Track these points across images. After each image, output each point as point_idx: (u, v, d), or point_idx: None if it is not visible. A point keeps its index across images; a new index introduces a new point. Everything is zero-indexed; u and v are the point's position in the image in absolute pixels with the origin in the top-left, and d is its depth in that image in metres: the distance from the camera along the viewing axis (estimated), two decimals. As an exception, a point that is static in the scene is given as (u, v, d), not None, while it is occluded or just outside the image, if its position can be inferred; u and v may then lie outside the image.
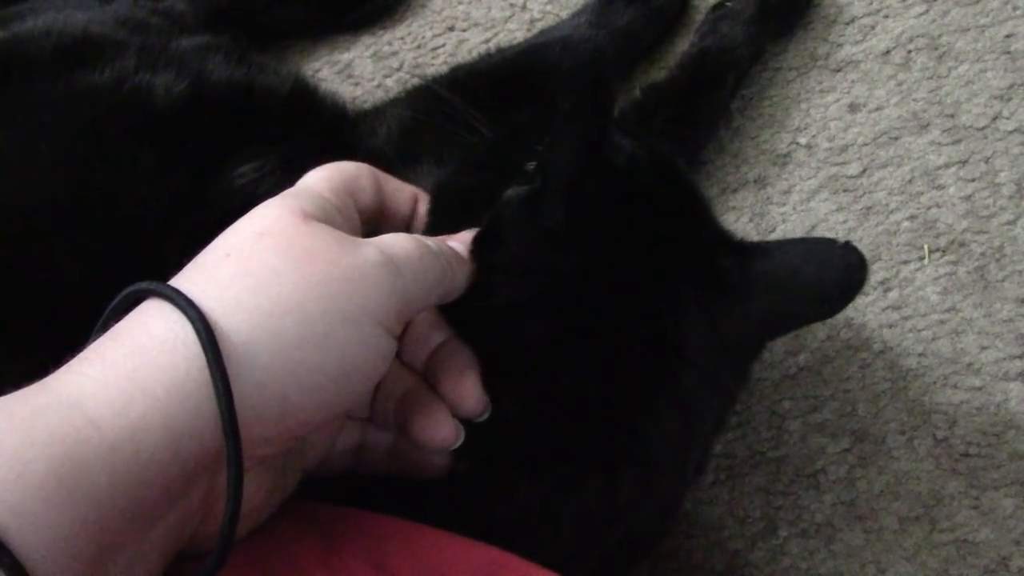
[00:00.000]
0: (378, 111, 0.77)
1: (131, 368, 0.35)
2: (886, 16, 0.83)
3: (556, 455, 0.48)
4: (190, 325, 0.36)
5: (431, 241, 0.44)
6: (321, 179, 0.46)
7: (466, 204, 0.51)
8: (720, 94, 0.79)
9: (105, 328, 0.39)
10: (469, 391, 0.46)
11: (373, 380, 0.41)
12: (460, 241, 0.48)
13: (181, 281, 0.39)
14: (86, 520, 0.32)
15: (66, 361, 0.37)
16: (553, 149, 0.49)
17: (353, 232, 0.43)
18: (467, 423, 0.46)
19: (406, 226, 0.52)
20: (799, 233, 0.76)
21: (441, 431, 0.45)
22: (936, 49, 0.80)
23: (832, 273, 0.54)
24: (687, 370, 0.50)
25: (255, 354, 0.37)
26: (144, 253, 0.55)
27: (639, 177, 0.52)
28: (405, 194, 0.51)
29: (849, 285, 0.55)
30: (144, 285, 0.39)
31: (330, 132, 0.71)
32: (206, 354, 0.35)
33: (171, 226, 0.56)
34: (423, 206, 0.52)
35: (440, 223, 0.51)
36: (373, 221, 0.49)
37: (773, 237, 0.76)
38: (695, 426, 0.52)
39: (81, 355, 0.37)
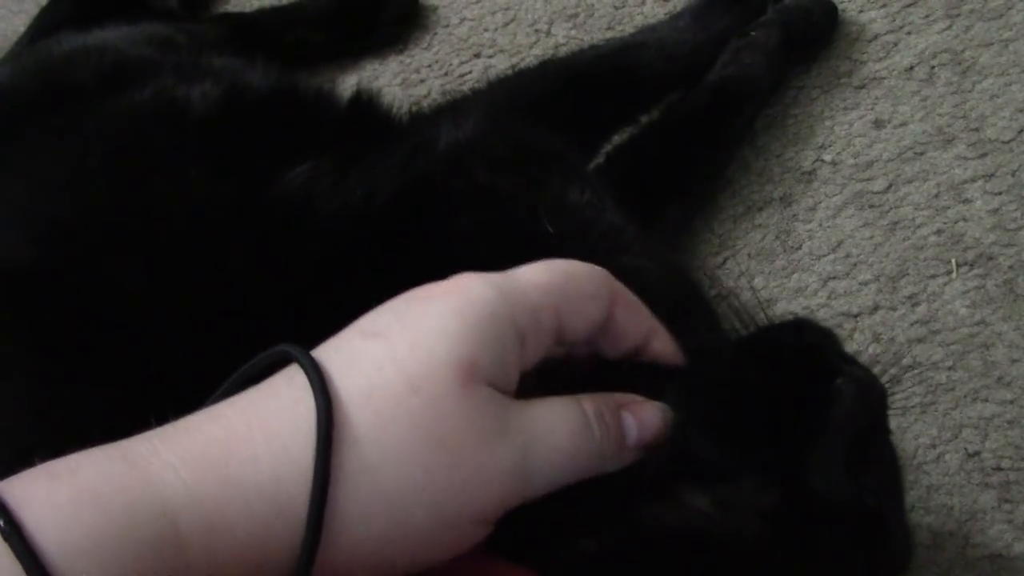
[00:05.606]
0: (458, 103, 0.76)
1: (227, 499, 0.34)
2: (909, 32, 0.83)
3: None
4: (303, 476, 0.34)
5: (598, 425, 0.38)
6: (540, 288, 0.39)
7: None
8: (737, 122, 0.80)
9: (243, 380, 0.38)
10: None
11: (446, 560, 0.38)
12: (636, 422, 0.40)
13: (331, 361, 0.36)
14: None
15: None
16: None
17: (523, 368, 0.39)
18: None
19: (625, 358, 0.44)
20: (825, 250, 0.76)
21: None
22: (960, 64, 0.81)
23: None
24: None
25: (340, 533, 0.35)
26: (205, 262, 0.55)
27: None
28: (635, 328, 0.43)
29: None
30: (311, 379, 0.35)
31: (390, 132, 0.69)
32: (309, 519, 0.34)
33: (230, 233, 0.56)
34: (658, 347, 0.43)
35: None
36: (584, 344, 0.42)
37: (799, 254, 0.76)
38: None
39: (187, 442, 0.35)
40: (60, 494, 0.32)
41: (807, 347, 0.48)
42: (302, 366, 0.36)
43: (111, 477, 0.33)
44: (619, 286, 0.42)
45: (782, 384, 0.45)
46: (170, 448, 0.35)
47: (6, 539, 0.30)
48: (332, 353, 0.37)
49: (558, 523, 0.41)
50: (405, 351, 0.36)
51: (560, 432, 0.37)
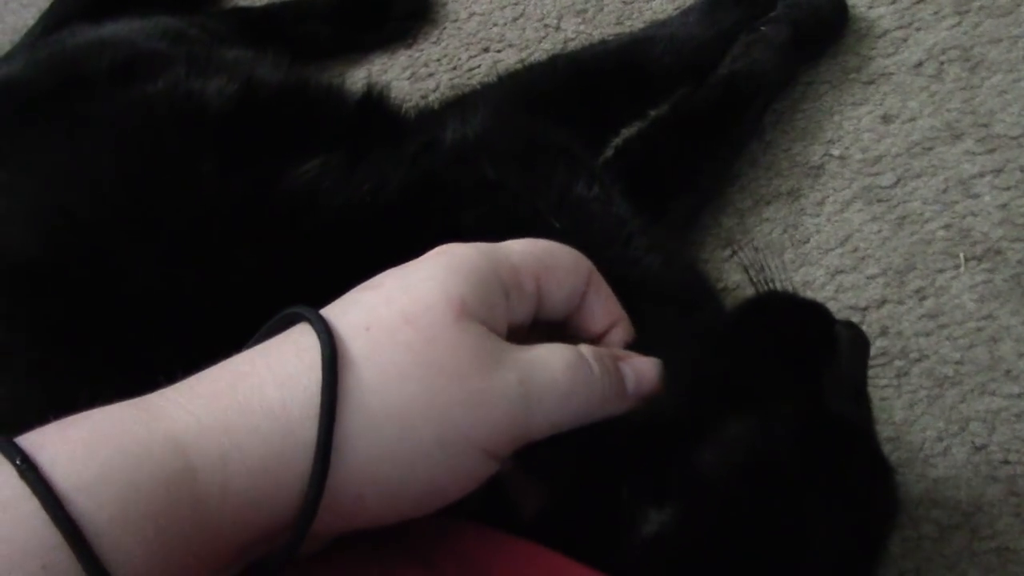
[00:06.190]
0: (466, 98, 0.76)
1: (236, 426, 0.35)
2: (918, 28, 0.83)
3: None
4: (310, 400, 0.36)
5: (597, 363, 0.41)
6: (520, 253, 0.42)
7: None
8: (746, 117, 0.80)
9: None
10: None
11: (456, 498, 0.39)
12: (634, 372, 0.43)
13: (331, 311, 0.39)
14: (169, 559, 0.33)
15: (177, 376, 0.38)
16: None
17: (509, 322, 0.41)
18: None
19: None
20: (833, 244, 0.76)
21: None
22: (969, 60, 0.81)
23: None
24: None
25: (350, 453, 0.36)
26: (214, 256, 0.55)
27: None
28: (604, 312, 0.45)
29: None
30: (313, 322, 0.38)
31: (399, 128, 0.70)
32: (318, 446, 0.35)
33: (239, 226, 0.56)
34: (619, 334, 0.46)
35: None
36: (557, 323, 0.45)
37: (807, 248, 0.76)
38: None
39: (196, 385, 0.37)
40: (73, 436, 0.34)
41: (803, 304, 0.52)
42: (300, 312, 0.39)
43: (123, 419, 0.35)
44: (596, 271, 0.45)
45: (787, 329, 0.48)
46: (179, 392, 0.37)
47: (23, 476, 0.31)
48: (331, 306, 0.40)
49: (617, 505, 0.41)
50: (398, 293, 0.39)
51: (556, 365, 0.39)
